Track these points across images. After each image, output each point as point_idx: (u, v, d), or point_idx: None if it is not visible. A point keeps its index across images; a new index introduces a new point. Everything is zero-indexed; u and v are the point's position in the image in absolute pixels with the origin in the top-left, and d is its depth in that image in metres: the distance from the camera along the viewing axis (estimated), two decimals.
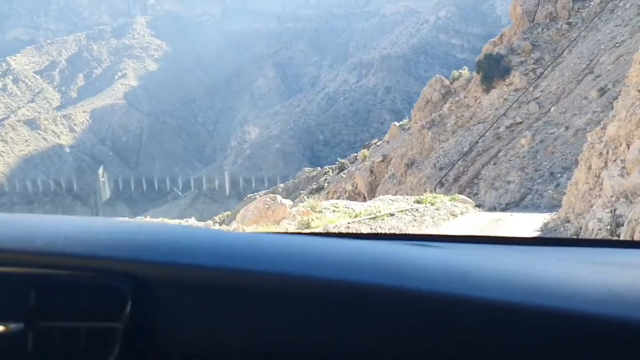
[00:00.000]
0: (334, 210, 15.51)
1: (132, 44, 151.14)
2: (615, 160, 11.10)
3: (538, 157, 32.96)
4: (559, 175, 30.25)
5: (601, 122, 14.99)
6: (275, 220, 12.73)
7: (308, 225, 11.37)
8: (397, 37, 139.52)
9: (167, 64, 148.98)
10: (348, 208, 16.20)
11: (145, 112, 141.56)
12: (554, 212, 20.60)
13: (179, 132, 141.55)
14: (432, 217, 16.71)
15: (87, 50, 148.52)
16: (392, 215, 15.78)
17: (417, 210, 17.38)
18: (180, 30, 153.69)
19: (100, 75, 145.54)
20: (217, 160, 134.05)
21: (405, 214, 16.48)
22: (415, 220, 15.68)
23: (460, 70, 51.20)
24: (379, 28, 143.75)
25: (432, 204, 18.92)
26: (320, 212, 15.05)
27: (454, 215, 18.01)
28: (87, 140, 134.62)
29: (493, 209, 29.67)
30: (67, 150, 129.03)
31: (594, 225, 9.72)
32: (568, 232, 11.77)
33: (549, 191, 29.15)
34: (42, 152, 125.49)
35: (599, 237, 9.36)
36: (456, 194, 23.34)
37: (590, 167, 12.27)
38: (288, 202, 13.20)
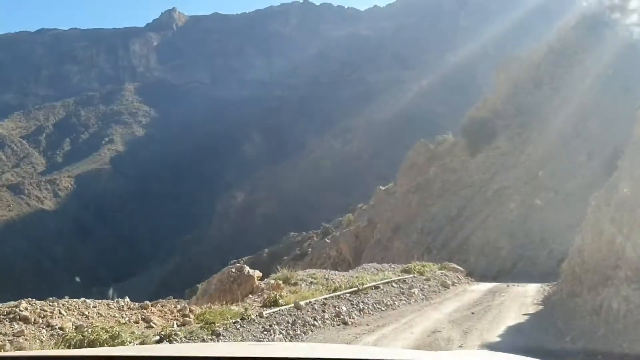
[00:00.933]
0: (311, 282, 13.64)
1: (120, 109, 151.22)
2: (633, 226, 9.49)
3: (528, 222, 31.43)
4: (550, 241, 28.65)
5: (605, 184, 13.47)
6: (241, 295, 10.83)
7: (275, 303, 9.51)
8: (381, 105, 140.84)
9: (154, 129, 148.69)
10: (327, 279, 14.34)
11: (131, 177, 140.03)
12: (553, 283, 18.85)
13: (165, 197, 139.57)
14: (421, 290, 14.86)
15: (74, 116, 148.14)
16: (376, 287, 13.93)
17: (404, 281, 15.55)
18: (168, 97, 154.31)
19: (87, 140, 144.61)
20: (202, 225, 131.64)
21: (392, 285, 14.63)
22: (402, 294, 13.83)
23: (444, 135, 50.39)
24: (364, 95, 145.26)
25: (421, 274, 17.10)
26: (295, 284, 13.19)
27: (445, 287, 16.17)
28: (70, 206, 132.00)
29: (484, 277, 27.81)
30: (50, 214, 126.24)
31: (620, 305, 8.01)
32: (581, 308, 9.98)
33: (542, 258, 27.47)
34: (24, 217, 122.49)
35: (628, 319, 7.64)
36: (446, 262, 21.55)
37: (601, 233, 10.61)
38: (257, 273, 11.32)
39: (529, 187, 34.13)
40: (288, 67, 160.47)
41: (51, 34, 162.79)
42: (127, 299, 7.38)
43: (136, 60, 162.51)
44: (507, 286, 17.03)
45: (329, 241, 47.85)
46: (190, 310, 7.46)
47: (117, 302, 7.09)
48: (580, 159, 33.54)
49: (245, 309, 8.35)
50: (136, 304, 7.36)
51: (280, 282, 11.67)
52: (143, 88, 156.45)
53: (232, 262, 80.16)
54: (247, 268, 11.19)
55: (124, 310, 6.78)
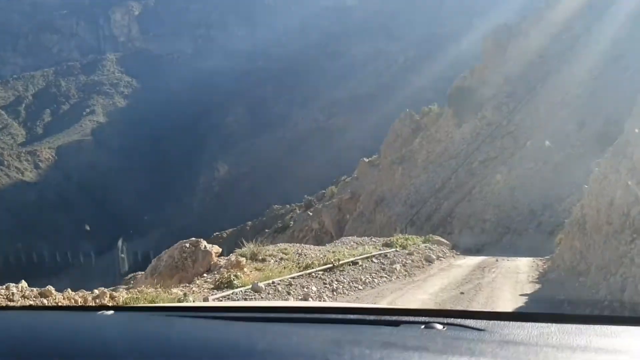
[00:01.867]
0: (281, 258, 12.10)
1: (102, 80, 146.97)
2: None
3: (515, 193, 30.12)
4: (539, 213, 27.36)
5: (609, 150, 11.97)
6: (195, 274, 9.23)
7: (229, 284, 7.94)
8: (366, 77, 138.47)
9: (136, 100, 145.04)
10: (300, 255, 12.79)
11: (113, 149, 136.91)
12: (545, 257, 17.53)
13: (147, 169, 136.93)
14: (403, 265, 13.39)
15: (54, 86, 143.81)
16: (354, 264, 12.42)
17: (386, 255, 14.07)
18: (150, 68, 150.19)
19: (67, 111, 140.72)
20: (185, 198, 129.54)
21: (372, 261, 13.14)
22: (383, 270, 12.35)
23: (430, 106, 48.71)
24: (348, 68, 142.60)
25: (404, 248, 15.64)
26: (264, 260, 11.62)
27: (430, 262, 14.73)
28: (51, 177, 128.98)
29: (468, 250, 26.48)
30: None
31: None
32: (591, 290, 8.52)
33: (530, 231, 26.21)
34: (4, 189, 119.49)
35: None
36: (430, 235, 20.13)
37: (611, 204, 9.11)
38: (215, 248, 9.72)
39: (516, 157, 32.78)
40: (272, 37, 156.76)
41: (29, 1, 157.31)
42: (24, 283, 5.77)
43: (117, 30, 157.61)
44: (496, 260, 15.64)
45: (311, 214, 46.41)
46: (112, 298, 5.92)
47: (7, 288, 5.48)
48: (569, 128, 32.18)
49: (185, 295, 6.77)
50: (34, 290, 5.74)
51: (243, 258, 10.07)
52: (124, 58, 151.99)
53: (215, 234, 78.61)
54: (203, 242, 9.58)
55: (13, 300, 5.16)
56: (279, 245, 13.85)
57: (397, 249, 15.20)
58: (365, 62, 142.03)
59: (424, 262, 14.45)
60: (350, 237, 16.94)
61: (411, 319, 1.76)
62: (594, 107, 32.41)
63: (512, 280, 11.97)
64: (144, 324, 1.30)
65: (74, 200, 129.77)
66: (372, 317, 1.83)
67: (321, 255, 12.90)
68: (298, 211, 54.13)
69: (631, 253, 7.74)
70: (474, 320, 1.69)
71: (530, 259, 17.37)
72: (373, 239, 16.74)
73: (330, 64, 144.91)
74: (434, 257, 15.45)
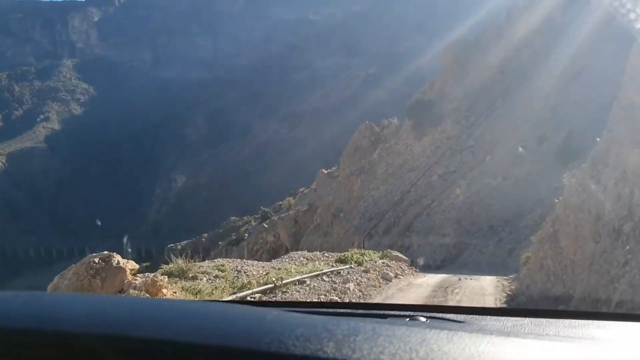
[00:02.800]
0: (216, 276, 10.38)
1: (57, 86, 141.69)
2: None
3: (475, 208, 29.09)
4: (499, 229, 26.33)
5: (588, 158, 10.75)
6: (107, 294, 7.40)
7: None
8: (328, 91, 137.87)
9: (93, 108, 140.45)
10: (239, 271, 11.11)
11: (68, 157, 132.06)
12: (510, 276, 16.27)
13: (103, 178, 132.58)
14: (358, 284, 11.84)
15: (8, 91, 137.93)
16: (302, 282, 10.81)
17: (339, 273, 12.52)
18: (108, 75, 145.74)
19: (20, 117, 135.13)
20: (140, 208, 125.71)
21: (322, 279, 11.54)
22: (334, 290, 10.75)
23: (389, 119, 47.73)
24: (311, 81, 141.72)
25: (360, 264, 14.13)
26: (195, 278, 9.89)
27: (387, 280, 13.23)
28: (1, 185, 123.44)
29: (427, 266, 25.21)
30: None
31: None
32: None
33: (490, 247, 25.11)
34: None
35: None
36: (388, 250, 18.67)
37: (599, 218, 7.77)
38: (130, 264, 7.97)
39: (475, 172, 31.85)
40: (234, 48, 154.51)
41: None
42: None
43: (75, 36, 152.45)
44: (459, 280, 14.25)
45: (266, 226, 44.58)
46: None
47: None
48: (530, 144, 31.47)
49: None
50: None
51: (163, 277, 8.33)
52: (82, 65, 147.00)
53: (169, 246, 75.66)
54: (117, 257, 7.82)
55: None
56: (216, 260, 12.10)
57: (352, 266, 13.67)
58: (326, 76, 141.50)
59: (380, 281, 12.94)
60: (300, 252, 15.30)
61: (397, 312, 1.88)
62: (554, 122, 31.81)
63: (479, 303, 10.54)
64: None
65: (24, 209, 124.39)
66: (361, 311, 1.96)
67: (264, 273, 11.25)
68: (254, 223, 52.21)
69: (626, 276, 6.37)
70: (455, 314, 1.83)
71: (494, 277, 16.09)
72: (326, 254, 15.16)
73: (292, 76, 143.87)
74: (392, 274, 13.97)
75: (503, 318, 1.78)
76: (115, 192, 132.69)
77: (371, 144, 42.51)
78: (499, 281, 14.63)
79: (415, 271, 17.44)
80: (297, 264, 13.07)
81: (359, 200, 35.61)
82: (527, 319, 1.76)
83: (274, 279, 10.41)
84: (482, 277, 15.95)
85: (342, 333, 0.99)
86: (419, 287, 12.62)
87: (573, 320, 1.74)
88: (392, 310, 1.95)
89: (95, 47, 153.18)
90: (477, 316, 1.83)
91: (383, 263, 15.80)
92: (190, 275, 10.02)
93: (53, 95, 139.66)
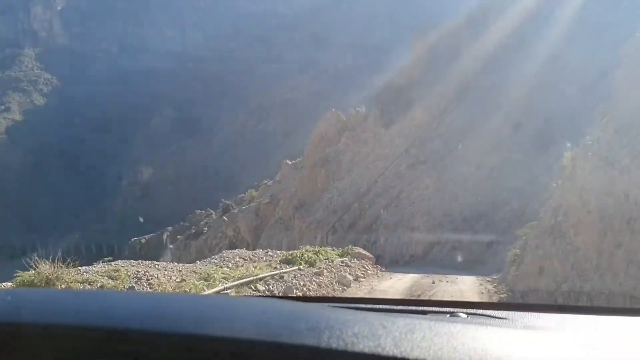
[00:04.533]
0: (101, 286, 7.25)
1: (19, 76, 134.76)
2: None
3: (446, 200, 26.39)
4: (474, 221, 23.66)
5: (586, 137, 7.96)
6: None
7: None
8: (297, 84, 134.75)
9: (56, 99, 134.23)
10: (139, 279, 7.97)
11: (30, 148, 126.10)
12: (491, 277, 13.50)
13: (66, 171, 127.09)
14: (304, 293, 8.83)
15: None
16: (226, 290, 7.75)
17: (281, 277, 9.48)
18: (72, 65, 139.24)
19: None
20: (106, 201, 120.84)
21: (256, 288, 8.49)
22: None
23: (357, 108, 44.83)
24: (279, 74, 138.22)
25: (312, 265, 11.13)
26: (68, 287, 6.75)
27: (344, 286, 10.27)
28: None
29: (395, 262, 22.42)
30: None
31: None
32: None
33: (465, 242, 22.41)
34: None
35: None
36: (350, 247, 15.71)
37: (603, 208, 4.88)
38: None
39: (447, 160, 29.18)
40: (202, 40, 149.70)
41: None
42: None
43: (38, 24, 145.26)
44: (433, 283, 11.36)
45: (226, 219, 41.35)
46: None
47: None
48: (504, 131, 28.92)
49: None
50: None
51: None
52: (45, 54, 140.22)
53: (132, 240, 71.81)
54: None
55: None
56: (115, 264, 8.94)
57: (301, 267, 10.66)
58: (295, 69, 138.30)
59: (335, 287, 9.98)
60: (237, 251, 12.19)
61: (437, 309, 1.82)
62: (530, 110, 29.37)
63: None
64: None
65: None
66: (400, 307, 1.89)
67: (177, 280, 8.15)
68: (215, 216, 48.86)
69: None
70: (496, 310, 1.75)
71: (474, 278, 13.30)
72: (270, 253, 12.11)
73: (261, 68, 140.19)
74: (351, 277, 11.02)
75: (545, 315, 1.72)
76: (80, 185, 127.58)
77: (337, 132, 39.57)
78: (481, 284, 11.85)
79: (381, 270, 14.56)
80: (229, 266, 9.99)
81: (322, 191, 32.65)
82: (570, 315, 1.71)
83: (186, 290, 7.35)
84: (459, 277, 13.15)
85: (399, 330, 0.97)
86: (383, 294, 9.65)
87: (617, 318, 1.61)
88: (432, 306, 1.88)
89: (59, 37, 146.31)
90: (519, 312, 1.71)
91: (342, 262, 12.87)
92: (61, 286, 6.89)
93: (14, 86, 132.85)
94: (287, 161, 44.51)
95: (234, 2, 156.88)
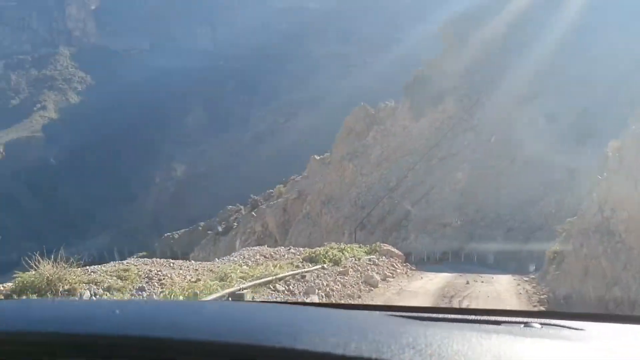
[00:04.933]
0: (108, 287, 6.72)
1: (54, 75, 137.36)
2: None
3: (479, 195, 25.40)
4: (508, 217, 22.66)
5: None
6: None
7: None
8: (326, 79, 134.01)
9: (90, 97, 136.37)
10: (150, 279, 7.43)
11: (65, 146, 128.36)
12: (531, 276, 12.63)
13: (101, 167, 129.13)
14: (327, 295, 8.17)
15: (4, 80, 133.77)
16: (242, 290, 7.13)
17: (303, 277, 8.83)
18: (105, 64, 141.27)
19: (17, 106, 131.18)
20: (139, 198, 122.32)
21: (275, 288, 7.86)
22: None
23: (386, 102, 43.82)
24: (308, 70, 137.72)
25: (336, 263, 10.46)
26: (69, 292, 6.26)
27: (370, 286, 9.57)
28: None
29: (426, 260, 21.56)
30: None
31: None
32: None
33: (499, 238, 21.44)
34: None
35: None
36: (378, 243, 14.98)
37: None
38: None
39: (479, 154, 28.10)
40: (232, 37, 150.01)
41: None
42: None
43: (72, 24, 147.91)
44: (467, 283, 10.57)
45: (255, 215, 40.97)
46: None
47: None
48: (539, 123, 27.70)
49: None
50: None
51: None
52: (79, 53, 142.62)
53: (165, 235, 72.35)
54: None
55: None
56: (127, 262, 8.42)
57: (325, 265, 10.00)
58: (324, 64, 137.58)
59: (361, 288, 9.28)
60: (257, 248, 11.57)
61: (511, 319, 1.75)
62: (565, 101, 28.09)
63: None
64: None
65: (21, 198, 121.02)
66: (472, 317, 1.82)
67: (192, 280, 7.58)
68: (244, 212, 48.58)
69: None
70: (572, 320, 1.66)
71: (510, 277, 12.45)
72: (292, 250, 11.47)
73: (290, 65, 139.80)
74: (378, 277, 10.31)
75: (625, 326, 1.57)
76: (114, 182, 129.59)
77: (366, 126, 38.69)
78: (518, 284, 11.01)
79: (411, 269, 13.81)
80: (248, 264, 9.39)
81: (350, 186, 31.89)
82: None
83: (197, 292, 6.77)
84: (494, 277, 12.32)
85: (487, 343, 0.93)
86: (413, 297, 8.91)
87: None
88: (505, 316, 1.79)
89: (92, 36, 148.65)
90: (597, 323, 1.59)
91: (369, 260, 12.17)
92: (63, 288, 6.38)
93: (50, 84, 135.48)
94: (315, 156, 43.82)
95: None
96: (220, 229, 45.43)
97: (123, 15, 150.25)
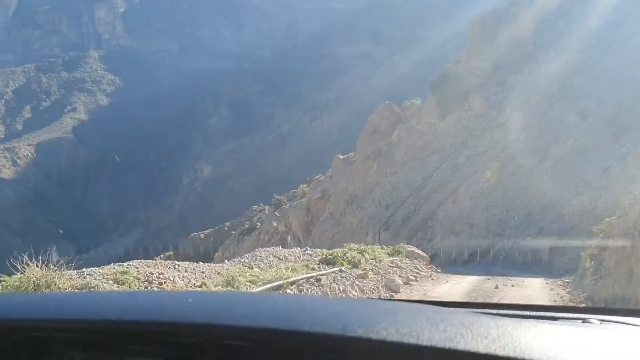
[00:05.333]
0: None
1: (84, 77, 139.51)
2: None
3: (508, 193, 24.40)
4: (539, 217, 21.62)
5: None
6: None
7: None
8: (351, 80, 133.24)
9: (119, 99, 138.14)
10: (150, 283, 6.87)
11: (94, 147, 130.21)
12: (565, 280, 11.77)
13: (129, 168, 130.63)
14: (345, 298, 7.50)
15: (35, 82, 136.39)
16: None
17: (318, 281, 8.17)
18: (134, 66, 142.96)
19: (48, 108, 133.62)
20: (167, 198, 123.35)
21: (287, 291, 7.23)
22: None
23: (412, 101, 42.92)
24: (334, 70, 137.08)
25: (355, 266, 9.78)
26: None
27: (392, 291, 8.87)
28: (30, 175, 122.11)
29: (453, 262, 20.72)
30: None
31: None
32: None
33: (528, 239, 20.46)
34: None
35: None
36: (401, 245, 14.24)
37: None
38: None
39: (508, 152, 27.07)
40: (258, 39, 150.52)
41: None
42: None
43: (101, 27, 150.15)
44: (496, 287, 9.79)
45: (278, 215, 40.50)
46: None
47: None
48: (570, 119, 26.53)
49: None
50: None
51: None
52: (108, 56, 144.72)
53: (191, 235, 72.50)
54: None
55: None
56: (127, 264, 7.86)
57: (343, 268, 9.32)
58: (350, 65, 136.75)
59: (382, 293, 8.58)
60: (271, 249, 10.95)
61: (568, 315, 1.73)
62: (597, 96, 26.86)
63: None
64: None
65: (52, 199, 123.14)
66: (527, 313, 1.77)
67: (195, 284, 7.00)
68: (267, 212, 48.17)
69: None
70: (632, 317, 1.60)
71: (542, 281, 11.60)
72: (308, 251, 10.83)
73: (316, 66, 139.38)
74: (401, 281, 9.60)
75: None
76: (142, 182, 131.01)
77: (391, 125, 37.89)
78: (551, 288, 10.17)
79: (436, 271, 13.05)
80: (260, 266, 8.77)
81: (374, 186, 31.13)
82: None
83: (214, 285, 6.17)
84: (525, 280, 11.50)
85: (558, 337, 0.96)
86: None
87: None
88: (562, 312, 1.75)
89: (121, 38, 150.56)
90: None
91: (391, 263, 11.44)
92: (53, 289, 5.84)
93: (80, 86, 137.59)
94: (340, 156, 43.17)
95: (289, 0, 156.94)
96: (244, 228, 45.01)
97: (151, 18, 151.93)
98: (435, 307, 1.32)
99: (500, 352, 0.84)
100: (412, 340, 0.89)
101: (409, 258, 12.77)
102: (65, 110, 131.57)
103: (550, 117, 27.48)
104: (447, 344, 0.87)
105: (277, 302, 1.25)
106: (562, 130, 25.77)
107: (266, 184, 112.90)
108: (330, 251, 10.32)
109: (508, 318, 1.17)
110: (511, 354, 0.84)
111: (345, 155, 43.72)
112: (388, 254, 12.59)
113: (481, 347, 0.86)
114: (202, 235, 69.94)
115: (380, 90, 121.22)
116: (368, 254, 11.06)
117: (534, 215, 21.26)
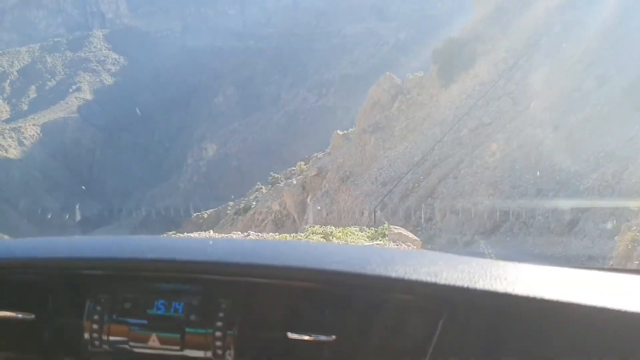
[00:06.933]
0: None
1: (89, 57, 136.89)
2: None
3: (516, 168, 21.62)
4: (552, 193, 18.89)
5: None
6: None
7: None
8: (357, 57, 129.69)
9: (124, 78, 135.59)
10: None
11: (100, 126, 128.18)
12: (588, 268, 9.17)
13: (135, 148, 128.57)
14: None
15: (40, 62, 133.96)
16: None
17: None
18: (138, 45, 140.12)
19: (53, 87, 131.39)
20: (172, 177, 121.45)
21: None
22: None
23: (415, 74, 39.89)
24: (339, 48, 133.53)
25: None
26: None
27: None
28: (36, 155, 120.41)
29: (454, 243, 18.11)
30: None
31: None
32: None
33: (539, 219, 17.79)
34: None
35: None
36: (386, 225, 11.54)
37: None
38: None
39: (517, 122, 24.19)
40: (262, 17, 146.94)
41: None
42: None
43: (105, 6, 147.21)
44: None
45: (274, 193, 37.95)
46: None
47: None
48: (587, 86, 23.57)
49: None
50: None
51: None
52: (112, 35, 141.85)
53: (194, 215, 70.16)
54: None
55: None
56: None
57: None
58: (355, 43, 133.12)
59: None
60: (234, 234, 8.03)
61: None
62: (618, 60, 23.87)
63: None
64: None
65: (59, 178, 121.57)
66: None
67: None
68: (264, 190, 45.67)
69: None
70: None
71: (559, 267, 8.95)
72: (259, 235, 8.21)
73: (321, 44, 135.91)
74: None
75: None
76: (147, 161, 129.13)
77: (391, 98, 34.98)
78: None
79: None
80: None
81: (371, 162, 28.44)
82: None
83: None
84: (537, 268, 8.87)
85: None
86: None
87: None
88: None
89: (125, 17, 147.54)
90: None
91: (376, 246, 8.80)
92: None
93: (84, 66, 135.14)
94: (339, 131, 40.41)
95: None
96: (239, 208, 42.57)
97: None
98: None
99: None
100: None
101: (395, 242, 10.13)
102: (70, 90, 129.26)
103: (563, 84, 24.54)
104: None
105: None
106: (577, 98, 22.87)
107: (272, 163, 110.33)
108: (293, 235, 7.70)
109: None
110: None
111: (345, 131, 40.95)
112: (369, 237, 9.96)
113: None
114: (205, 215, 67.77)
115: (387, 68, 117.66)
116: (338, 237, 8.43)
117: (545, 192, 18.52)
